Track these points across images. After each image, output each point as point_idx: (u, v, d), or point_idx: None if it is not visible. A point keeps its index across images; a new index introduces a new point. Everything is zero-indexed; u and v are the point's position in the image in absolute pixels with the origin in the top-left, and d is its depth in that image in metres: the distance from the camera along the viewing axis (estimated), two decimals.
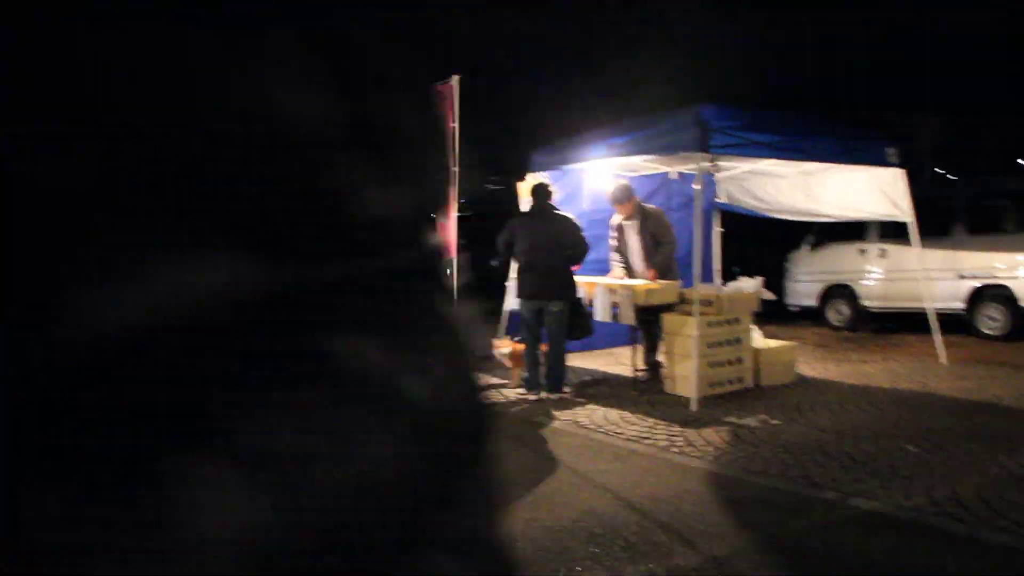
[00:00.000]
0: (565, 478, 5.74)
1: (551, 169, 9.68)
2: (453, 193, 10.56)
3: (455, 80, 10.43)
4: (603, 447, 6.50)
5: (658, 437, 6.65)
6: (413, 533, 0.51)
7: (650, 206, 9.10)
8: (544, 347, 8.17)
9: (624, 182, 9.03)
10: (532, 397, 8.11)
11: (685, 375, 7.80)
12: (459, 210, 12.23)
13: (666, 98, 10.69)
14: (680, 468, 5.88)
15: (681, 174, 10.07)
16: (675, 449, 6.33)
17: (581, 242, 8.02)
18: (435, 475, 0.53)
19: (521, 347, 8.45)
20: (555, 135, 10.20)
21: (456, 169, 10.51)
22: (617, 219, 9.06)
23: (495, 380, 9.10)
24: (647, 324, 8.62)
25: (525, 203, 8.95)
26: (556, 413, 7.59)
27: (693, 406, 7.42)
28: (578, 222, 8.20)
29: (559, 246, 7.91)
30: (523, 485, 5.59)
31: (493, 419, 0.60)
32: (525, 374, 8.32)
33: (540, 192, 8.22)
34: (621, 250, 9.11)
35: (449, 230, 10.68)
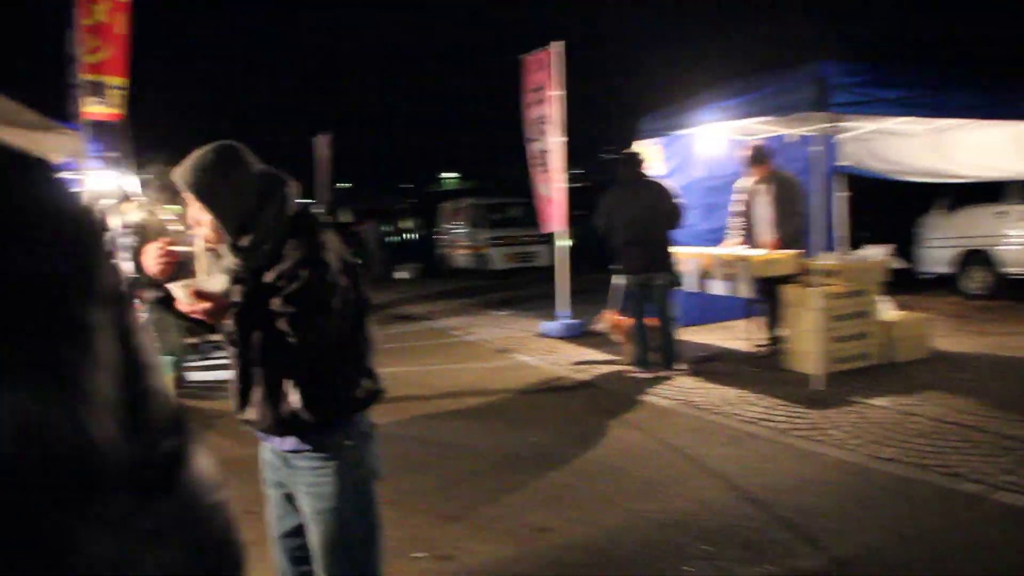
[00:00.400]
0: (676, 464, 5.41)
1: (660, 135, 9.24)
2: (558, 162, 10.26)
3: (556, 47, 10.09)
4: (718, 429, 6.12)
5: (778, 419, 6.22)
6: None
7: (785, 172, 8.51)
8: (652, 322, 7.82)
9: (759, 143, 8.47)
10: (644, 375, 7.77)
11: (808, 351, 7.30)
12: (571, 180, 11.97)
13: (786, 57, 10.06)
14: (802, 454, 5.46)
15: (802, 136, 9.45)
16: (797, 433, 5.89)
17: (676, 208, 7.68)
18: None
19: (627, 321, 8.13)
20: (668, 100, 9.74)
21: (564, 139, 10.21)
22: (746, 182, 8.54)
23: (606, 356, 8.80)
24: (768, 296, 8.15)
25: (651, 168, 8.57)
26: (668, 392, 7.23)
27: (817, 384, 6.93)
28: (672, 187, 7.83)
29: (657, 215, 7.59)
30: (631, 471, 5.30)
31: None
32: (633, 351, 7.99)
33: (630, 161, 7.92)
34: (747, 216, 8.57)
35: (556, 202, 10.40)
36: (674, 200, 7.67)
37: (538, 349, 9.77)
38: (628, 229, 7.62)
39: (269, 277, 2.48)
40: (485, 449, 5.99)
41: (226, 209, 2.51)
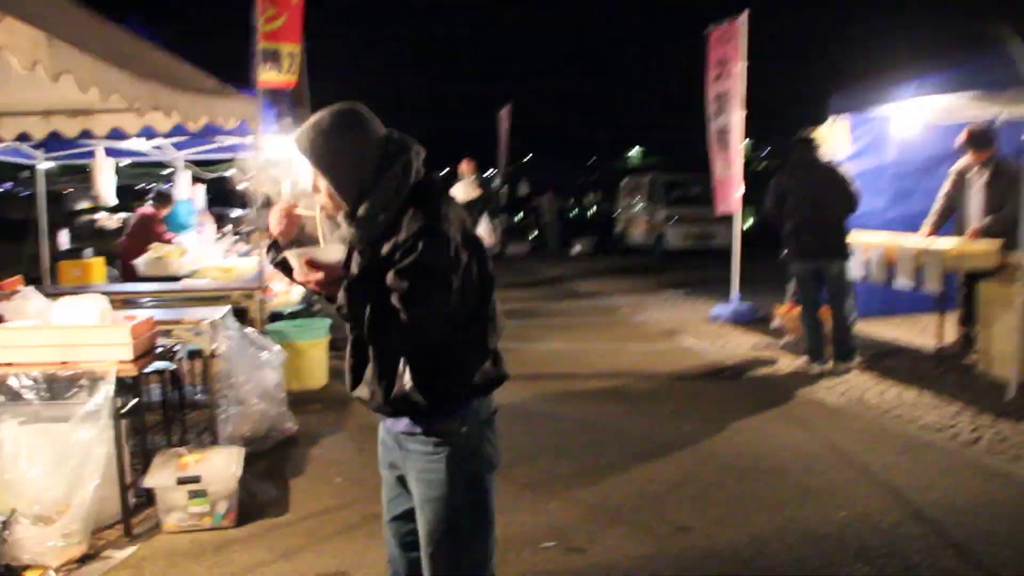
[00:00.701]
0: (841, 469, 4.96)
1: (852, 113, 8.57)
2: (739, 140, 9.77)
3: (741, 18, 9.55)
4: (892, 435, 5.59)
5: (962, 428, 5.61)
6: None
7: (1009, 159, 7.53)
8: (825, 312, 7.28)
9: (983, 124, 7.58)
10: (815, 369, 7.25)
11: (1004, 354, 6.55)
12: (755, 160, 11.35)
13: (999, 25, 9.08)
14: (988, 472, 4.86)
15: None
16: (984, 446, 5.27)
17: (851, 192, 7.14)
18: None
19: (797, 310, 7.62)
20: (863, 75, 9.04)
21: (743, 113, 9.69)
22: (963, 165, 7.67)
23: (777, 346, 8.30)
24: (963, 291, 7.42)
25: (826, 151, 7.94)
26: (840, 389, 6.71)
27: (1012, 393, 6.20)
28: (847, 171, 7.27)
29: (831, 199, 7.09)
30: (789, 474, 4.91)
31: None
32: (805, 343, 7.47)
33: (803, 143, 7.39)
34: (955, 202, 7.75)
35: (734, 182, 9.90)
36: (849, 184, 7.10)
37: (706, 334, 9.37)
38: (799, 213, 7.12)
39: (385, 249, 2.33)
40: (635, 436, 5.73)
41: (343, 175, 2.37)
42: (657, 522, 4.25)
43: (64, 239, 10.16)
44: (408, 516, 2.60)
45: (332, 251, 2.37)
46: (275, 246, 2.54)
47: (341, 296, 2.31)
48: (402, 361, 2.39)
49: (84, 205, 15.63)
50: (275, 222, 2.51)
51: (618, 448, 5.47)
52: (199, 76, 5.95)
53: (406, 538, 2.64)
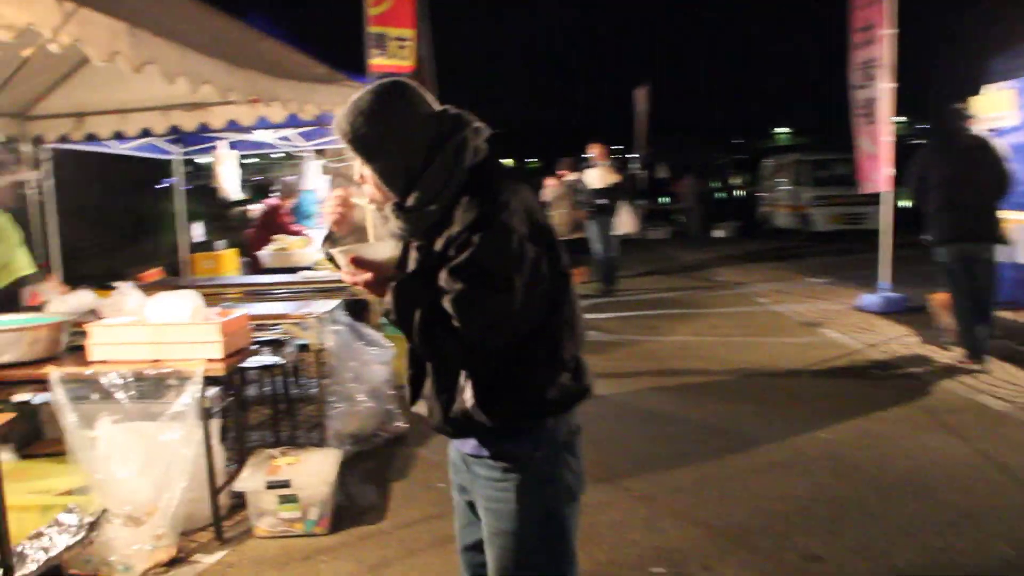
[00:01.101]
0: (1004, 490, 4.33)
1: (1016, 79, 7.69)
2: (887, 112, 8.99)
3: None
4: None
5: None
6: None
7: None
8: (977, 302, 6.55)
9: None
10: (972, 367, 6.52)
11: None
12: (907, 135, 10.49)
13: None
14: None
15: None
16: None
17: (1002, 171, 6.36)
18: None
19: (945, 298, 6.88)
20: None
21: (890, 85, 8.91)
22: None
23: (929, 340, 7.55)
24: None
25: (980, 123, 7.15)
26: (1003, 391, 5.97)
27: None
28: (1001, 145, 6.47)
29: (979, 177, 6.34)
30: (942, 494, 4.32)
31: None
32: (959, 337, 6.72)
33: (952, 114, 6.63)
34: None
35: (882, 159, 9.13)
36: (1001, 160, 6.34)
37: (851, 325, 8.67)
38: (942, 192, 6.40)
39: (438, 244, 2.00)
40: (766, 442, 5.22)
41: (388, 161, 2.03)
42: (783, 548, 3.78)
43: (198, 231, 10.36)
44: (480, 547, 2.27)
45: (382, 248, 2.06)
46: (331, 238, 2.26)
47: (388, 299, 2.00)
48: (463, 374, 2.06)
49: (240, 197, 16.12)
50: (329, 212, 2.23)
51: (746, 456, 4.99)
52: (307, 64, 5.81)
53: (479, 570, 2.31)
